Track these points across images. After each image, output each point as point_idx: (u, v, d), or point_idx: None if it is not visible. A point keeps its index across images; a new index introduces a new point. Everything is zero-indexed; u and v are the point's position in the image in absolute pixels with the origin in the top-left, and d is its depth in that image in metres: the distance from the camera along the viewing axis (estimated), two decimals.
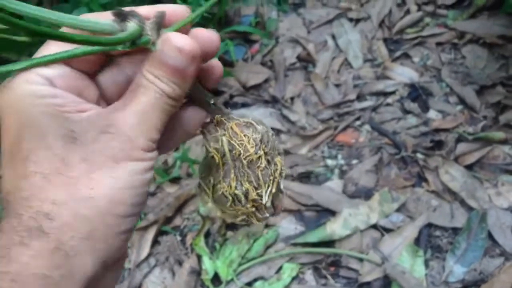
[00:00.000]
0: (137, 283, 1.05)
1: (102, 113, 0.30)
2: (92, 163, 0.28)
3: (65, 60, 0.30)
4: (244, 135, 0.43)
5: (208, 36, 0.34)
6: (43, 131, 0.27)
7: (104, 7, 1.09)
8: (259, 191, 0.43)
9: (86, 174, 0.28)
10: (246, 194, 0.42)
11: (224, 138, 0.42)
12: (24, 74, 0.28)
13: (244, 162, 0.43)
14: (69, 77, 0.30)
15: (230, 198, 0.42)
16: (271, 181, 0.44)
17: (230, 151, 0.42)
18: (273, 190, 0.44)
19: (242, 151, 0.42)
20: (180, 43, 0.30)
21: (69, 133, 0.28)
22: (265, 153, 0.43)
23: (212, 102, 0.41)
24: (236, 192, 0.42)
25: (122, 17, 0.30)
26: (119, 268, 0.32)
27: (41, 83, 0.28)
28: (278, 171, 0.44)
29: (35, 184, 0.27)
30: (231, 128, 0.43)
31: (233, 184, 0.42)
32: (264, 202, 0.42)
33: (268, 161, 0.44)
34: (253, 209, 0.43)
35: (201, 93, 0.40)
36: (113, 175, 0.28)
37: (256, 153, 0.43)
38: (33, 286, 0.25)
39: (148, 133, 0.31)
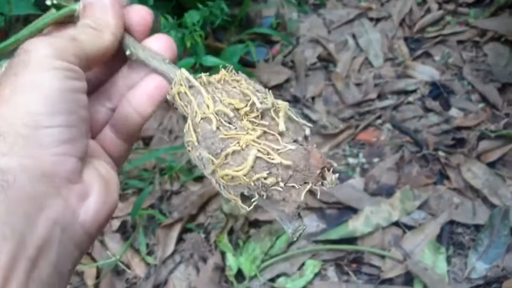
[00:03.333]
0: (163, 279, 1.08)
1: None
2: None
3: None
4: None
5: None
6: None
7: None
8: (248, 101, 0.35)
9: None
10: (232, 109, 0.34)
11: (183, 70, 0.38)
12: None
13: (218, 84, 0.36)
14: None
15: (214, 119, 0.34)
16: (266, 96, 0.36)
17: (195, 78, 0.37)
18: (270, 104, 0.35)
19: (211, 78, 0.37)
20: None
21: None
22: (249, 84, 0.37)
23: (166, 61, 0.38)
24: (219, 108, 0.34)
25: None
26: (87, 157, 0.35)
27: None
28: (271, 99, 0.36)
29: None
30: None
31: (210, 103, 0.35)
32: (259, 106, 0.34)
33: (256, 90, 0.36)
34: (253, 128, 0.34)
35: (148, 56, 0.38)
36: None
37: (230, 77, 0.37)
38: None
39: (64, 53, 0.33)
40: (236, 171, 0.33)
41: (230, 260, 1.07)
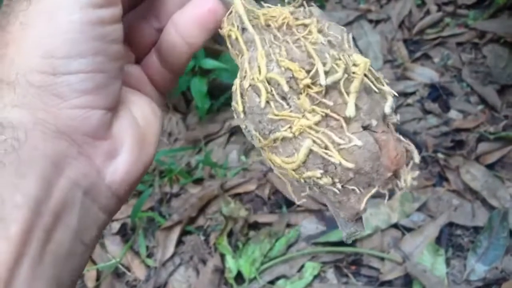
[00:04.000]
0: (163, 281, 1.08)
1: None
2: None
3: None
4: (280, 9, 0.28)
5: None
6: None
7: None
8: (312, 68, 0.26)
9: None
10: (289, 78, 0.26)
11: (237, 1, 0.29)
12: None
13: (278, 33, 0.28)
14: None
15: (264, 92, 0.26)
16: (339, 55, 0.27)
17: (251, 20, 0.28)
18: (341, 71, 0.26)
19: (271, 19, 0.28)
20: None
21: None
22: (320, 31, 0.28)
23: None
24: (272, 76, 0.26)
25: None
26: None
27: None
28: (346, 60, 0.27)
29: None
30: (264, 10, 0.29)
31: (263, 64, 0.26)
32: (323, 83, 0.25)
33: (328, 42, 0.27)
34: (312, 110, 0.26)
35: None
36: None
37: (296, 20, 0.28)
38: None
39: None
40: (285, 163, 0.27)
41: (230, 262, 1.07)
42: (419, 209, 1.09)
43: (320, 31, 0.28)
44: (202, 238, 1.13)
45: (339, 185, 0.26)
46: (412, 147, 0.27)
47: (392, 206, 1.09)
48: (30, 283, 0.23)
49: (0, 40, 0.26)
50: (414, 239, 1.05)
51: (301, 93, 0.26)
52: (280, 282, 1.04)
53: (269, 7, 0.29)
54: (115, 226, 1.17)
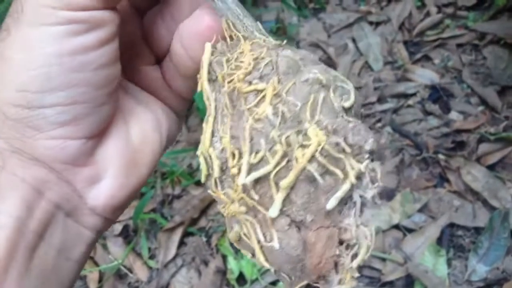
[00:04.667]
0: (165, 282, 1.08)
1: None
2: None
3: None
4: (250, 55, 0.26)
5: None
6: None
7: None
8: (240, 155, 0.24)
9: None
10: (225, 159, 0.25)
11: (207, 46, 0.27)
12: None
13: (228, 99, 0.25)
14: None
15: (204, 166, 0.26)
16: (279, 144, 0.23)
17: (214, 72, 0.27)
18: (269, 168, 0.23)
19: (232, 74, 0.26)
20: None
21: None
22: (278, 95, 0.24)
23: None
24: (210, 152, 0.25)
25: None
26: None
27: None
28: (298, 142, 0.23)
29: None
30: (243, 48, 0.27)
31: (208, 134, 0.25)
32: (240, 182, 0.23)
33: (281, 114, 0.24)
34: (240, 198, 0.24)
35: None
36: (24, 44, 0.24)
37: (249, 83, 0.25)
38: None
39: None
40: (229, 233, 0.26)
41: (232, 263, 1.07)
42: (420, 210, 1.09)
43: (277, 95, 0.24)
44: (204, 239, 1.13)
45: (272, 269, 0.25)
46: (365, 241, 0.24)
47: (393, 207, 1.09)
48: None
49: None
50: (416, 240, 1.05)
51: (235, 175, 0.24)
52: (282, 283, 1.04)
53: (252, 39, 0.28)
54: (117, 227, 1.17)
